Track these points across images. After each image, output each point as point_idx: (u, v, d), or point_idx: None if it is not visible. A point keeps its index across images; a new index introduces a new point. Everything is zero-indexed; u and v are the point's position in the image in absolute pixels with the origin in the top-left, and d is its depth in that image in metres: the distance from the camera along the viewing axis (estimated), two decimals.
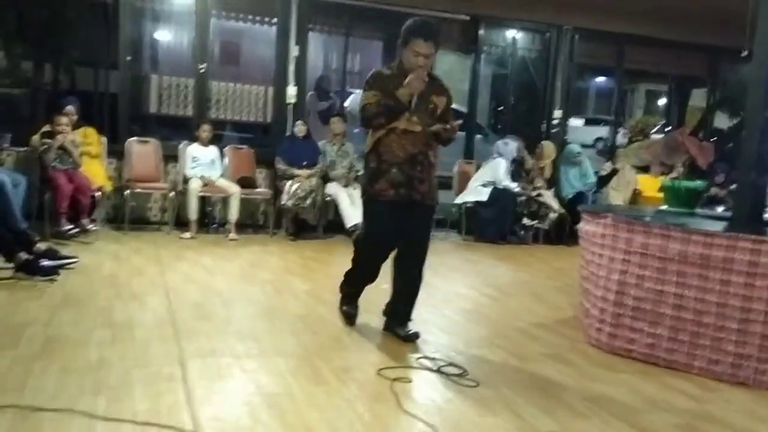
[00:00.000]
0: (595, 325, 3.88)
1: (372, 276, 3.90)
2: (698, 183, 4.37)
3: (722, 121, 13.06)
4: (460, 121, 3.66)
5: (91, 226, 6.18)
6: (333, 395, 2.86)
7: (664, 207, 4.43)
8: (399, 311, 3.85)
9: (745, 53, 3.94)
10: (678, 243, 3.50)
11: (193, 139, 7.08)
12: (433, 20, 3.77)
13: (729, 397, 3.20)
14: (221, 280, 4.99)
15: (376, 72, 3.70)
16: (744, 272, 3.32)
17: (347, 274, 4.02)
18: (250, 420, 2.57)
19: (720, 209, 7.03)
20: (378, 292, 4.93)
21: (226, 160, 7.25)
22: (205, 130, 7.06)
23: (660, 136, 10.00)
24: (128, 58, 7.37)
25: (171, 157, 7.23)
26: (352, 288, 4.03)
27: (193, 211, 6.74)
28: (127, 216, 6.73)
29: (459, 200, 8.07)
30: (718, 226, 3.68)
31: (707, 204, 7.78)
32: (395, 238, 3.70)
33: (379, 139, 3.60)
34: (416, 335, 3.75)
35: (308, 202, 7.01)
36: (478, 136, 9.83)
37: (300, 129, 7.39)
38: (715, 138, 11.78)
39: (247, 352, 3.37)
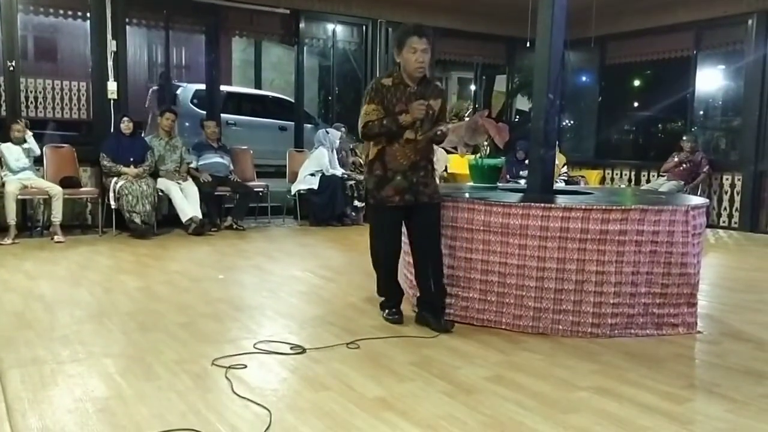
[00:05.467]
0: (417, 294, 4.03)
1: (395, 272, 3.85)
2: (498, 160, 4.67)
3: (524, 104, 14.10)
4: (449, 126, 3.72)
5: None
6: (165, 390, 2.72)
7: (471, 183, 4.69)
8: (435, 303, 3.76)
9: (528, 44, 4.24)
10: (482, 215, 3.71)
11: (6, 139, 6.43)
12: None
13: (532, 347, 3.45)
14: (45, 285, 4.58)
15: (377, 83, 3.61)
16: (537, 236, 3.60)
17: (377, 284, 3.95)
18: (77, 427, 2.37)
19: (523, 182, 7.60)
20: (214, 283, 4.79)
21: (36, 149, 6.57)
22: (17, 129, 6.43)
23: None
24: None
25: None
26: (384, 291, 3.92)
27: (11, 215, 6.13)
28: None
29: (293, 189, 8.04)
30: (515, 198, 3.95)
31: (513, 178, 8.38)
32: (400, 237, 3.78)
33: (383, 148, 3.59)
34: (452, 324, 3.70)
35: (148, 207, 6.61)
36: (309, 126, 9.81)
37: (126, 126, 6.97)
38: (518, 118, 12.70)
39: (72, 356, 3.12)
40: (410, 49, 3.52)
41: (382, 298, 3.95)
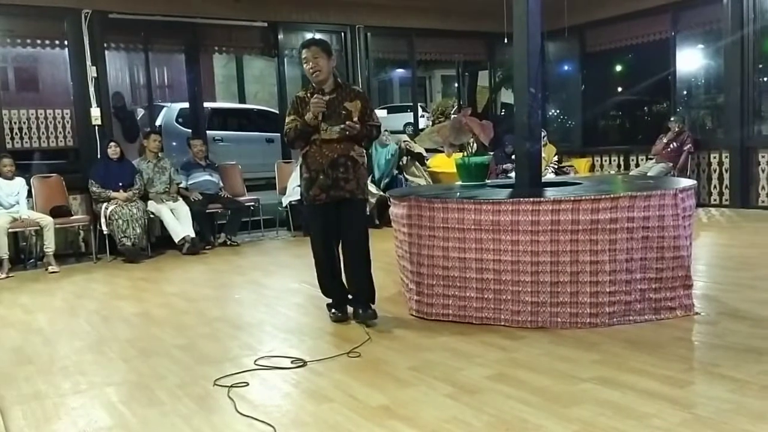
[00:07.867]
0: (414, 297, 4.04)
1: (330, 271, 4.05)
2: (485, 158, 4.67)
3: (510, 97, 14.09)
4: (356, 124, 3.83)
5: None
6: (169, 415, 2.71)
7: (459, 182, 4.70)
8: (361, 295, 4.01)
9: (506, 39, 4.25)
10: (472, 213, 3.72)
11: None
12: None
13: (532, 342, 3.45)
14: (42, 317, 4.57)
15: (294, 97, 4.00)
16: (529, 231, 3.60)
17: (318, 280, 4.18)
18: None
19: (513, 176, 7.61)
20: (212, 302, 4.76)
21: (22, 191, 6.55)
22: (6, 165, 6.41)
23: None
24: None
25: None
26: (325, 290, 4.16)
27: (3, 249, 6.11)
28: None
29: (284, 201, 8.04)
30: (505, 194, 3.96)
31: (503, 174, 8.40)
32: (335, 234, 3.99)
33: (306, 152, 3.93)
34: (375, 313, 3.97)
35: (138, 230, 6.62)
36: None
37: (113, 151, 6.97)
38: (504, 111, 12.71)
39: (74, 388, 3.11)
40: (303, 60, 3.90)
41: (325, 295, 4.18)
